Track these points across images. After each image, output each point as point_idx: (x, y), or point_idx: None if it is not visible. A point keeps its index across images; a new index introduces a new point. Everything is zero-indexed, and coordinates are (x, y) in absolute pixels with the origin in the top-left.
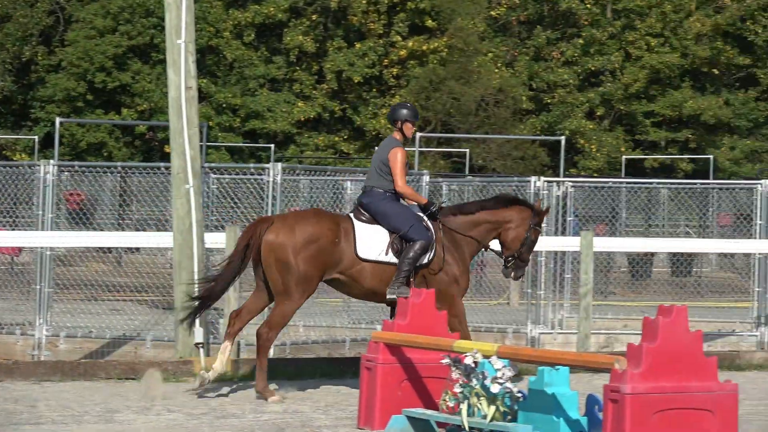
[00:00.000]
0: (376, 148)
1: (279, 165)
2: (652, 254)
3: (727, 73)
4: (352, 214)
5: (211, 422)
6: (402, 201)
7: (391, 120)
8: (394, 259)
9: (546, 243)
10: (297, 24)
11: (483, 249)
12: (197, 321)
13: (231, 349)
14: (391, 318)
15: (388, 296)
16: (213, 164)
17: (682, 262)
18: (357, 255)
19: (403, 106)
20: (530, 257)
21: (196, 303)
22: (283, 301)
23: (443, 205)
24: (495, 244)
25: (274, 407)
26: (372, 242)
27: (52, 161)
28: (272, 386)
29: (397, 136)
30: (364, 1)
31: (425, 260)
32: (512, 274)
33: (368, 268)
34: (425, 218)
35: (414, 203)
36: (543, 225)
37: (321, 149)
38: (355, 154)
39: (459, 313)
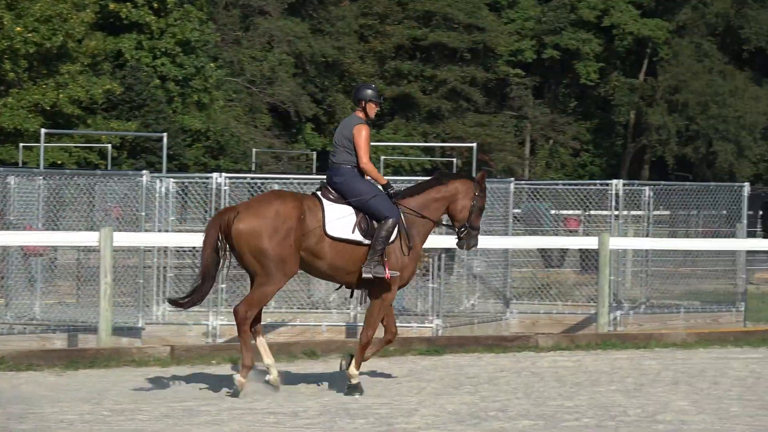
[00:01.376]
0: (338, 125)
1: None
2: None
3: None
4: (319, 193)
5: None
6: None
7: (356, 99)
8: (360, 238)
9: None
10: None
11: (436, 225)
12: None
13: (264, 338)
14: (350, 297)
15: (363, 275)
16: None
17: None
18: (325, 232)
19: (368, 86)
20: (480, 225)
21: (187, 300)
22: (265, 282)
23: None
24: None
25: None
26: (340, 220)
27: None
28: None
29: (360, 114)
30: None
31: (391, 239)
32: (465, 244)
33: (334, 246)
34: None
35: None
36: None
37: None
38: None
39: (385, 301)
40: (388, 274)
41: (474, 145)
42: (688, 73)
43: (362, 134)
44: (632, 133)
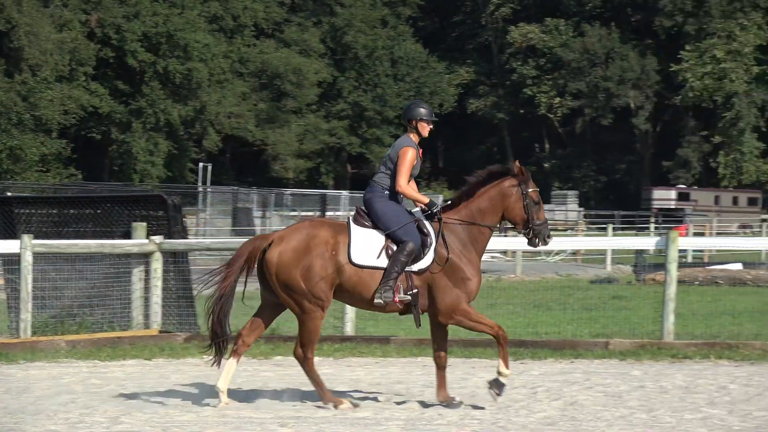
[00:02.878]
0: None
1: None
2: None
3: None
4: (351, 218)
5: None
6: (402, 202)
7: (406, 119)
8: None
9: None
10: None
11: (498, 230)
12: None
13: (235, 368)
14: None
15: (375, 301)
16: None
17: None
18: (351, 261)
19: (420, 104)
20: (544, 216)
21: (212, 341)
22: (304, 319)
23: (447, 204)
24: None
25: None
26: (367, 247)
27: None
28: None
29: (413, 136)
30: None
31: (423, 264)
32: (537, 242)
33: (364, 274)
34: (424, 220)
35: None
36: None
37: None
38: None
39: (464, 320)
40: (397, 299)
41: None
42: None
43: (407, 156)
44: None
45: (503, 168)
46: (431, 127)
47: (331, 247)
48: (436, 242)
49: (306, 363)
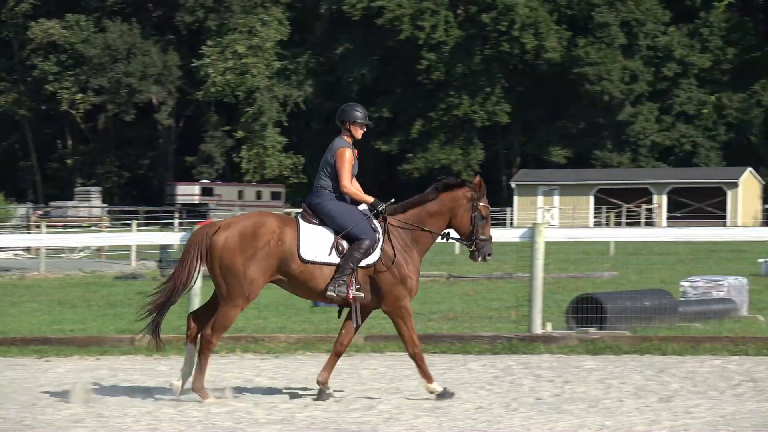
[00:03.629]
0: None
1: None
2: None
3: None
4: (299, 215)
5: None
6: (348, 201)
7: (340, 120)
8: (337, 260)
9: None
10: None
11: (443, 238)
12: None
13: (195, 351)
14: (340, 316)
15: (327, 294)
16: None
17: None
18: (300, 256)
19: (355, 107)
20: (490, 233)
21: (154, 315)
22: (227, 305)
23: (390, 203)
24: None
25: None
26: (316, 243)
27: None
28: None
29: (346, 137)
30: None
31: (371, 260)
32: (478, 256)
33: (310, 270)
34: (372, 217)
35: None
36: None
37: None
38: None
39: (404, 315)
40: (350, 294)
41: None
42: None
43: (345, 157)
44: None
45: (459, 180)
46: (364, 130)
47: (278, 237)
48: (383, 241)
49: (208, 347)
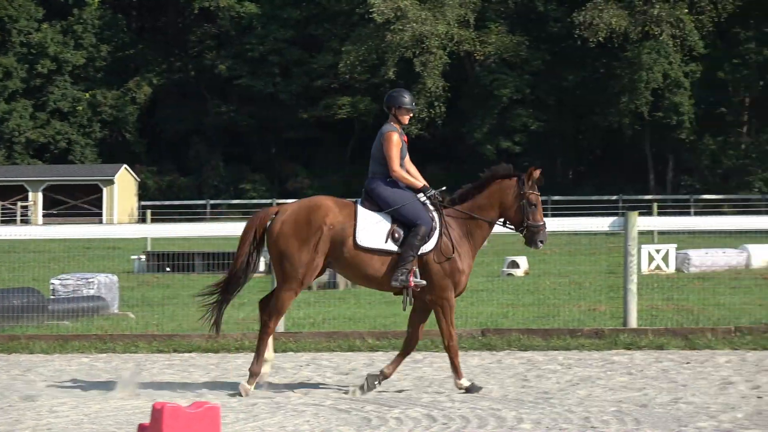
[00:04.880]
0: None
1: None
2: None
3: None
4: (359, 201)
5: None
6: (402, 187)
7: (387, 106)
8: (393, 247)
9: None
10: None
11: (500, 225)
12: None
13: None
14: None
15: (392, 284)
16: None
17: None
18: (355, 242)
19: (403, 93)
20: (542, 218)
21: (217, 302)
22: (281, 289)
23: (442, 191)
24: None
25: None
26: (372, 229)
27: None
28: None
29: (393, 122)
30: None
31: (427, 247)
32: (531, 243)
33: (363, 256)
34: (428, 203)
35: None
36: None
37: None
38: None
39: (446, 307)
40: (412, 282)
41: None
42: None
43: (391, 141)
44: None
45: (508, 169)
46: (410, 115)
47: (331, 221)
48: (439, 231)
49: (266, 330)
